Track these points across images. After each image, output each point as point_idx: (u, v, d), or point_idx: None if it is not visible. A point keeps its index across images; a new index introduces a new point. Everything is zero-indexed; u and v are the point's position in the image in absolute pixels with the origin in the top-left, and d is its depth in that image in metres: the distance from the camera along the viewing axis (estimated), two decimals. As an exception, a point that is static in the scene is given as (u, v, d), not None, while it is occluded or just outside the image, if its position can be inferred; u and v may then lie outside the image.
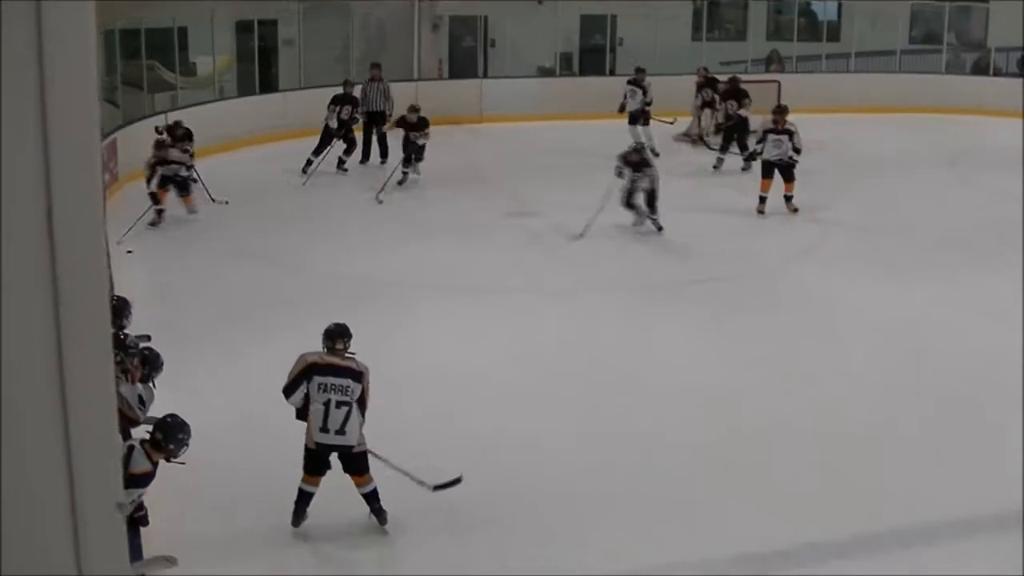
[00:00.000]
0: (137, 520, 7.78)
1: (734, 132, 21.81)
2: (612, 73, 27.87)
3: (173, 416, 8.31)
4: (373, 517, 9.19)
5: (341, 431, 8.90)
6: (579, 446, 10.68)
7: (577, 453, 10.55)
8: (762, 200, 18.67)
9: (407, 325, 13.42)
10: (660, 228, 17.41)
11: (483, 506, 9.61)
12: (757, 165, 18.94)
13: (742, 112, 21.56)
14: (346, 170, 20.85)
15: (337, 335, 9.18)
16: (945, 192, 19.67)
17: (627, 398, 11.69)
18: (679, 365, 12.69)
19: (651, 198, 17.46)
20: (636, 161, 17.45)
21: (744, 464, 10.52)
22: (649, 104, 22.75)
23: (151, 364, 9.30)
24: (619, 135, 22.16)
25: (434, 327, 13.30)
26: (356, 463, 9.07)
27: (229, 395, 11.49)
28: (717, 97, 22.59)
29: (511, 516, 9.54)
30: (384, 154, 21.67)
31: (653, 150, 20.75)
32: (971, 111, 26.23)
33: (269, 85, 24.83)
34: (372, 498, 9.12)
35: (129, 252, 12.89)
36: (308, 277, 14.01)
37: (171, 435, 8.10)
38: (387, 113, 21.67)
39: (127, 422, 8.70)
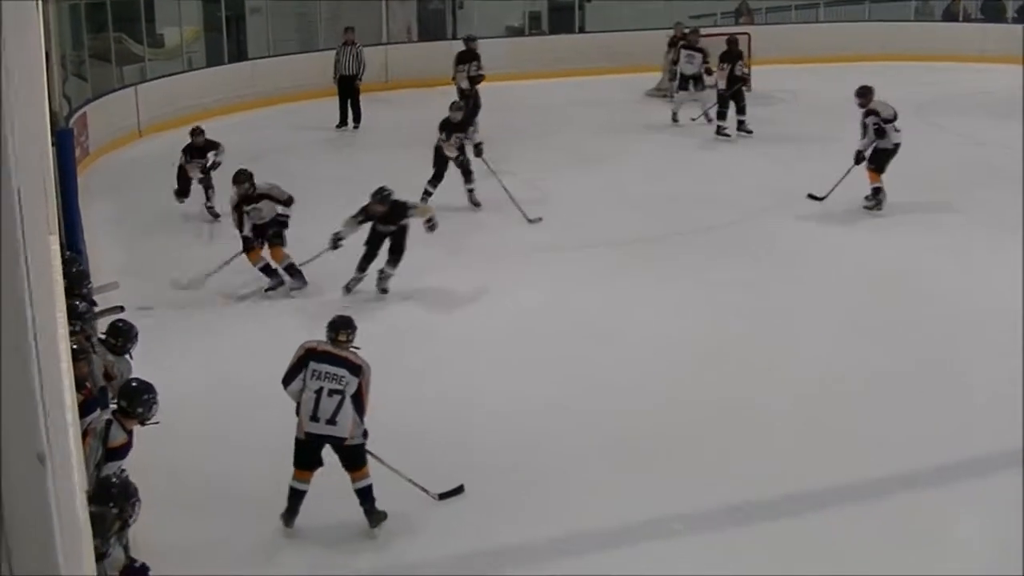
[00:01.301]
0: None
1: (735, 97, 20.77)
2: (582, 31, 27.81)
3: (135, 379, 8.26)
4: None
5: (332, 420, 8.65)
6: (562, 402, 10.71)
7: (560, 410, 10.60)
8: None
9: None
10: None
11: (470, 466, 9.69)
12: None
13: (741, 72, 20.65)
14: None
15: (340, 326, 8.96)
16: (915, 138, 19.64)
17: (608, 353, 11.72)
18: (659, 319, 12.76)
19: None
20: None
21: (725, 415, 10.59)
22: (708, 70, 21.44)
23: (125, 336, 9.24)
24: (592, 91, 22.24)
25: (411, 288, 13.28)
26: (350, 457, 8.82)
27: (207, 369, 11.49)
28: (702, 52, 21.83)
29: (501, 477, 9.63)
30: (357, 119, 21.75)
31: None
32: (942, 58, 26.22)
33: (238, 54, 24.69)
34: (364, 496, 8.86)
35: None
36: (292, 246, 13.90)
37: (136, 399, 7.97)
38: (359, 77, 21.69)
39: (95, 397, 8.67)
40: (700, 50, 21.18)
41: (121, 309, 10.42)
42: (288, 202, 13.51)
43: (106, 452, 7.78)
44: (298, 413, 8.78)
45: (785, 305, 13.08)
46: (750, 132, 20.50)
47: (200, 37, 24.87)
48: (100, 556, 6.26)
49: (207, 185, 16.03)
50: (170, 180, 16.01)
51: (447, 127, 16.15)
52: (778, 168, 18.63)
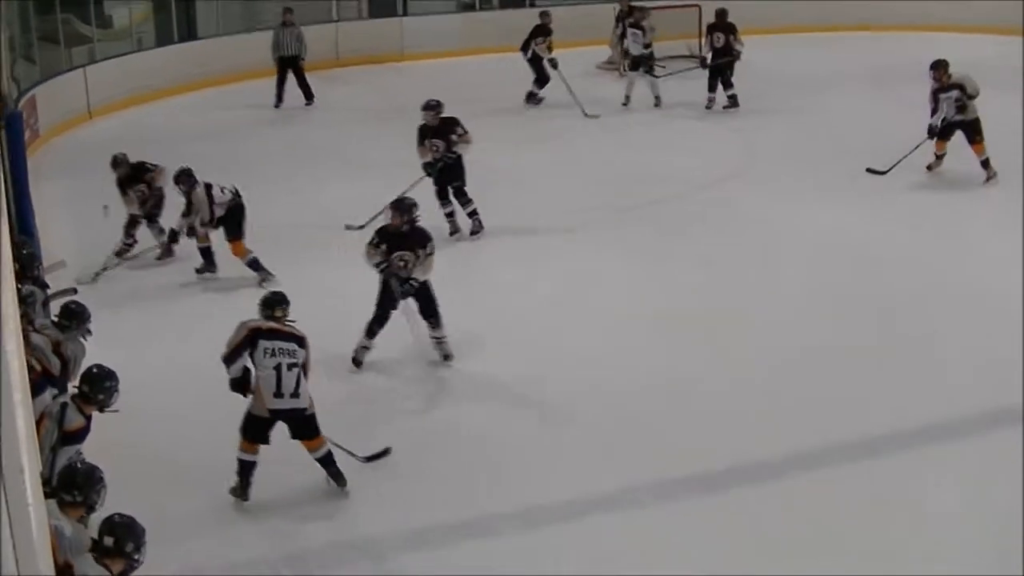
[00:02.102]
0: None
1: (724, 69, 20.41)
2: (532, 5, 27.73)
3: (98, 366, 8.24)
4: (331, 482, 9.08)
5: (296, 394, 8.74)
6: (522, 378, 10.75)
7: (521, 385, 10.66)
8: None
9: (343, 267, 13.36)
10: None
11: (430, 438, 9.82)
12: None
13: (737, 47, 20.22)
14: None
15: (276, 303, 9.06)
16: (872, 108, 19.79)
17: (565, 328, 11.75)
18: (620, 291, 12.82)
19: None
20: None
21: (687, 384, 10.67)
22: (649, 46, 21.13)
23: (78, 318, 9.19)
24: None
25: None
26: (308, 427, 8.90)
27: (163, 348, 11.46)
28: (642, 30, 21.66)
29: (456, 455, 9.67)
30: (309, 96, 21.69)
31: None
32: (899, 28, 26.18)
33: (188, 34, 24.51)
34: (327, 462, 8.97)
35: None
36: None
37: (98, 385, 8.01)
38: (301, 57, 21.60)
39: (47, 376, 8.65)
40: (642, 28, 20.87)
41: (74, 291, 10.40)
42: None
43: (62, 435, 7.78)
44: (233, 389, 8.91)
45: (746, 278, 13.13)
46: (737, 105, 20.41)
47: (149, 18, 24.64)
48: None
49: (148, 218, 14.11)
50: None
51: (421, 132, 14.39)
52: (737, 140, 18.70)
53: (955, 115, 15.73)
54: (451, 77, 22.23)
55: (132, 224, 13.88)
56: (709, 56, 20.35)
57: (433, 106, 14.36)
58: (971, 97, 15.67)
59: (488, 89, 21.92)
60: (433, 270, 10.82)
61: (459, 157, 14.31)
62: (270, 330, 8.85)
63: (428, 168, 14.23)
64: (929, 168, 16.32)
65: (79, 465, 7.18)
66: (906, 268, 13.09)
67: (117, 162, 13.87)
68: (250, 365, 8.85)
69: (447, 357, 11.20)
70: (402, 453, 9.56)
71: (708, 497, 9.01)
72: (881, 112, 19.25)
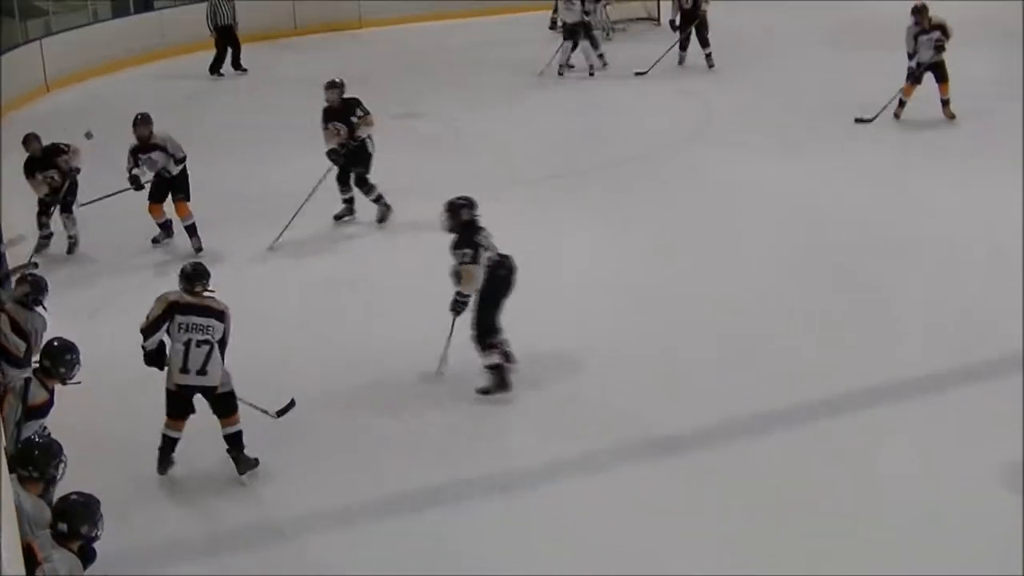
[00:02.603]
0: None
1: (699, 29, 20.25)
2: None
3: (58, 339, 8.22)
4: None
5: (202, 371, 8.68)
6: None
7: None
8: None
9: (306, 236, 13.44)
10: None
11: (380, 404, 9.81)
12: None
13: (704, 6, 20.11)
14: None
15: (195, 276, 8.92)
16: (829, 66, 19.86)
17: (529, 291, 11.68)
18: (581, 253, 12.86)
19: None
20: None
21: (648, 346, 10.68)
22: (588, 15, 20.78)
23: (35, 289, 9.14)
24: (498, 32, 22.26)
25: (336, 235, 13.24)
26: (221, 404, 8.87)
27: (113, 324, 11.35)
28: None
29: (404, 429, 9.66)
30: (238, 64, 21.93)
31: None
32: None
33: (144, 5, 24.33)
34: (232, 441, 8.92)
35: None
36: (204, 195, 13.79)
37: (59, 358, 8.00)
38: (234, 25, 21.78)
39: (6, 356, 8.69)
40: None
41: (35, 265, 10.37)
42: (181, 160, 13.07)
43: (26, 410, 7.79)
44: (147, 363, 8.87)
45: (708, 238, 13.15)
46: (713, 65, 20.36)
47: (106, -12, 24.51)
48: None
49: (61, 205, 13.36)
50: (81, 131, 15.68)
51: (325, 114, 13.63)
52: (697, 101, 18.69)
53: (932, 57, 16.20)
54: (410, 44, 22.21)
55: (43, 211, 13.33)
56: (678, 18, 20.25)
57: (336, 84, 13.67)
58: (949, 39, 16.13)
59: (447, 54, 21.89)
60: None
61: (363, 142, 13.64)
62: (188, 305, 8.77)
63: (333, 156, 13.61)
64: (897, 116, 16.62)
65: (37, 440, 7.20)
66: (866, 225, 13.12)
67: (28, 141, 13.23)
68: (166, 339, 8.80)
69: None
70: (353, 421, 9.62)
71: (670, 458, 8.99)
72: (841, 70, 19.29)
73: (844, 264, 12.23)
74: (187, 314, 8.70)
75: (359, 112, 13.49)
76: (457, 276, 9.82)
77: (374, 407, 9.88)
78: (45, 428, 7.90)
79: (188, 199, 13.17)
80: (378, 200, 13.85)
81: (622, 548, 7.93)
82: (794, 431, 9.31)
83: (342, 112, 13.52)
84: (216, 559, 8.12)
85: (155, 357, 8.83)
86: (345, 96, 13.63)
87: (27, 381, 7.88)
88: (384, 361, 10.52)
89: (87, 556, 6.43)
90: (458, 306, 9.90)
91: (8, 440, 7.40)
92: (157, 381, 8.91)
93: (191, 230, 13.18)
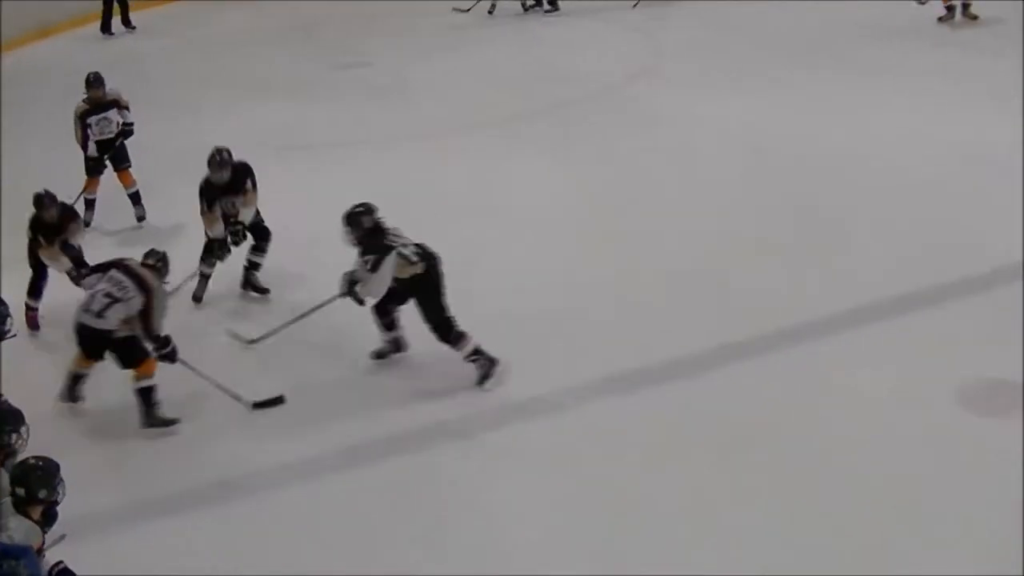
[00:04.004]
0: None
1: None
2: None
3: None
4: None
5: (100, 315, 8.81)
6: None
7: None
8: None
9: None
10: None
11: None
12: None
13: None
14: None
15: (150, 254, 9.30)
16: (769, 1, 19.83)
17: (486, 233, 11.71)
18: (534, 194, 12.80)
19: None
20: None
21: (611, 282, 10.69)
22: None
23: None
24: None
25: (281, 189, 13.12)
26: (120, 352, 8.98)
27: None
28: None
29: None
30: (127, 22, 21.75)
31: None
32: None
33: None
34: (145, 398, 9.01)
35: None
36: (144, 151, 13.61)
37: None
38: None
39: None
40: None
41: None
42: (129, 108, 12.74)
43: None
44: None
45: (660, 174, 13.14)
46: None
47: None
48: None
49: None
50: (48, 93, 15.22)
51: (207, 192, 10.78)
52: (642, 38, 18.67)
53: None
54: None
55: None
56: None
57: (223, 163, 10.75)
58: None
59: (385, 5, 21.72)
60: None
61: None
62: (124, 266, 9.10)
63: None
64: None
65: None
66: (822, 156, 13.17)
67: (42, 204, 11.30)
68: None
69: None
70: (322, 367, 9.62)
71: (644, 391, 9.03)
72: (775, 4, 19.22)
73: (802, 194, 12.27)
74: (118, 271, 9.02)
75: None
76: (351, 284, 9.32)
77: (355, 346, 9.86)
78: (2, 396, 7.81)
79: (130, 165, 12.86)
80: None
81: (593, 487, 7.97)
82: (761, 362, 9.33)
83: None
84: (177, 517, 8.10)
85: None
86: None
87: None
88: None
89: (49, 521, 6.35)
90: (352, 297, 9.37)
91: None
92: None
93: (136, 198, 12.89)
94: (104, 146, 12.65)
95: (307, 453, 8.64)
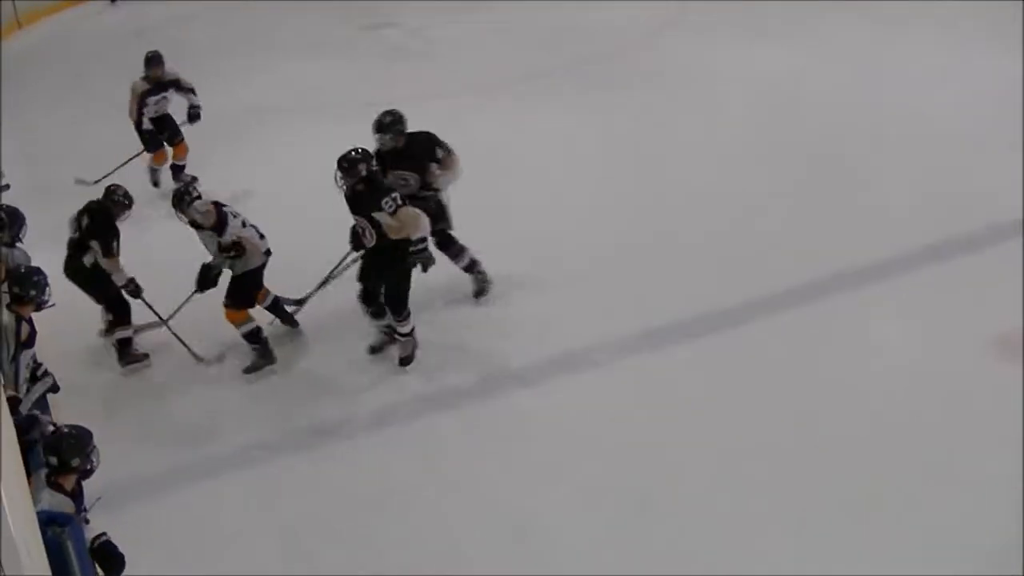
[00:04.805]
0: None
1: None
2: None
3: (24, 265, 8.16)
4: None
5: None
6: (467, 238, 10.67)
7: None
8: None
9: (276, 153, 13.42)
10: None
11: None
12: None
13: None
14: None
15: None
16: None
17: (512, 188, 11.77)
18: (558, 150, 12.84)
19: None
20: None
21: (635, 239, 10.73)
22: None
23: (12, 223, 8.96)
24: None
25: (304, 151, 13.14)
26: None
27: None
28: None
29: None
30: None
31: None
32: None
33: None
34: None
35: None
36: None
37: (26, 283, 7.77)
38: None
39: None
40: None
41: (7, 187, 10.31)
42: (194, 91, 12.46)
43: (19, 345, 7.72)
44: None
45: (686, 127, 13.17)
46: None
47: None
48: None
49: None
50: (59, 67, 15.18)
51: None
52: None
53: None
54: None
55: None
56: None
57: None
58: None
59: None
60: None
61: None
62: None
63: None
64: None
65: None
66: (845, 107, 13.17)
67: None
68: None
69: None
70: (332, 336, 9.69)
71: (672, 347, 9.09)
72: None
73: (825, 145, 12.30)
74: None
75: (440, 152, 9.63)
76: (380, 231, 8.65)
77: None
78: (35, 359, 7.83)
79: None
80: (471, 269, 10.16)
81: (619, 441, 8.04)
82: (782, 316, 9.40)
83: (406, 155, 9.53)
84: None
85: None
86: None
87: (19, 318, 7.75)
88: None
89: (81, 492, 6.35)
90: (425, 258, 8.79)
91: (7, 379, 7.38)
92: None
93: (179, 170, 12.66)
94: (159, 123, 12.47)
95: (336, 416, 8.76)
